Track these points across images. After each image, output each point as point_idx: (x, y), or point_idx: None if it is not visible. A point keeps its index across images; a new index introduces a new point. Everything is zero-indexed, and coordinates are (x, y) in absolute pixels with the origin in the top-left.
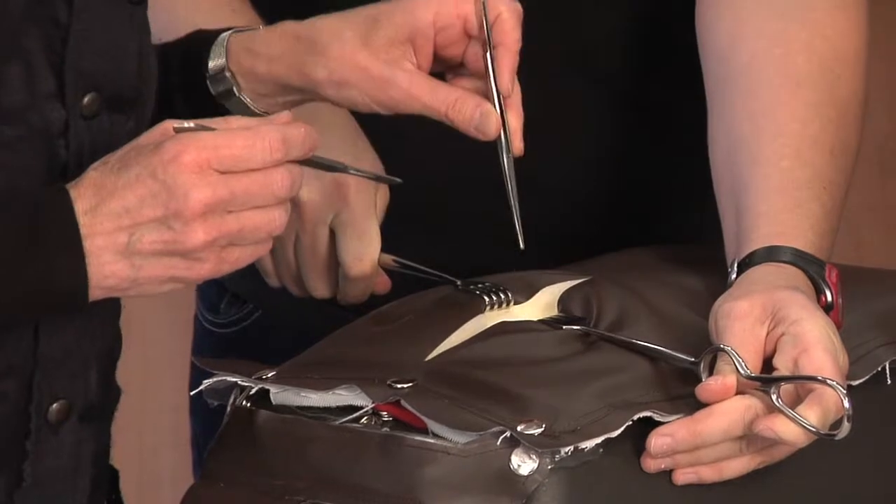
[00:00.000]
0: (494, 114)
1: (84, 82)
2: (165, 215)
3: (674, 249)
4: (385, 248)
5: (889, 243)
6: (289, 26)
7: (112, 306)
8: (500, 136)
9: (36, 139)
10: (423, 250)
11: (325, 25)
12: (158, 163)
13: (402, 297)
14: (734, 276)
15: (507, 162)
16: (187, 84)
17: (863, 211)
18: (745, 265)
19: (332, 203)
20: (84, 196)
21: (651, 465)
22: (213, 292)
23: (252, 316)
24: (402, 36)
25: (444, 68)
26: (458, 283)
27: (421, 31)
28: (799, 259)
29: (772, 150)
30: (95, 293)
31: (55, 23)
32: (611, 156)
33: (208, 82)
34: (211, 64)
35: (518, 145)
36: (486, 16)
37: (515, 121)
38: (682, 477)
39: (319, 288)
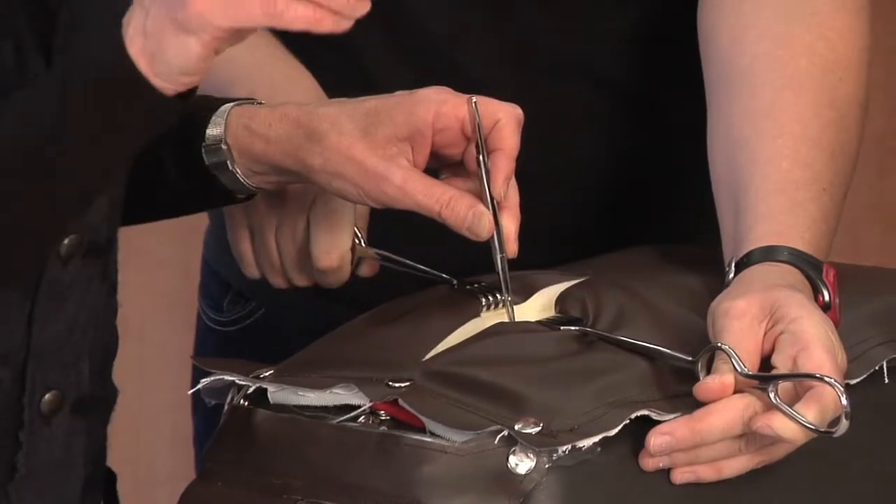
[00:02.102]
0: (487, 215)
1: None
2: None
3: (673, 249)
4: (381, 248)
5: (887, 242)
6: (290, 109)
7: (106, 301)
8: (493, 237)
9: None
10: (419, 251)
11: (326, 114)
12: None
13: (400, 296)
14: (732, 275)
15: (501, 263)
16: (182, 149)
17: (861, 209)
18: (742, 265)
19: (312, 191)
20: None
21: (650, 463)
22: (216, 290)
23: (255, 314)
24: (401, 134)
25: (441, 166)
26: (455, 282)
27: (420, 130)
28: (796, 258)
29: (771, 151)
30: (130, 60)
31: (43, 4)
32: (610, 156)
33: (203, 151)
34: (208, 132)
35: (512, 247)
36: (478, 121)
37: (511, 224)
38: (680, 476)
39: (298, 276)
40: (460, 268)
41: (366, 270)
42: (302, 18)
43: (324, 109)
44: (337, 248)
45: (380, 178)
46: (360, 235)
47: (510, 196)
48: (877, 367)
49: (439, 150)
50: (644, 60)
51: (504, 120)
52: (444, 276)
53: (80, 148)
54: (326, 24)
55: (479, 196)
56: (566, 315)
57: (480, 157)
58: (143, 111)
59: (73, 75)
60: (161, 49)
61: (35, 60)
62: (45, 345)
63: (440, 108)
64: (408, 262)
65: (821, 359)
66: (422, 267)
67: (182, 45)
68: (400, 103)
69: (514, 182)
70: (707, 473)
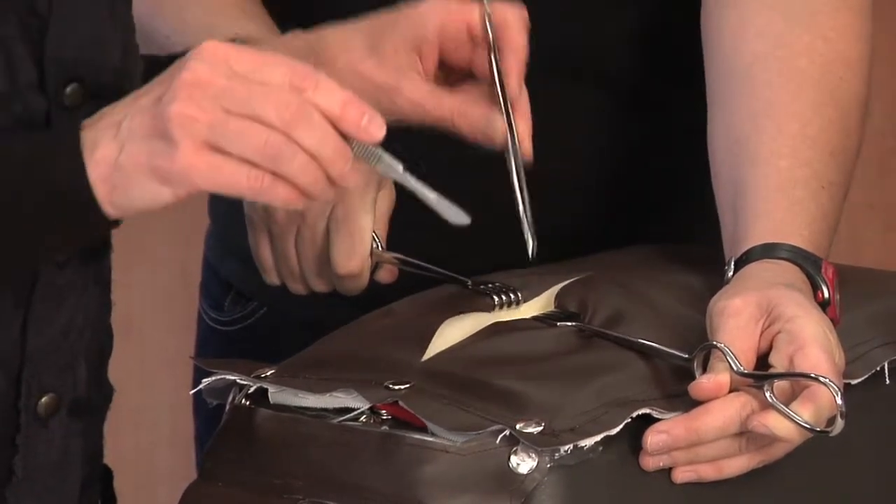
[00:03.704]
0: (500, 119)
1: (65, 73)
2: (160, 95)
3: (674, 248)
4: (388, 246)
5: (887, 242)
6: (297, 36)
7: (100, 301)
8: (507, 141)
9: (19, 129)
10: (423, 249)
11: (333, 36)
12: (177, 64)
13: (408, 294)
14: (731, 273)
15: (517, 166)
16: None
17: (861, 210)
18: (741, 262)
19: (332, 198)
20: (91, 119)
21: (650, 462)
22: (217, 290)
23: (256, 314)
24: (408, 45)
25: (451, 75)
26: (469, 282)
27: (427, 39)
28: (795, 255)
29: (770, 150)
30: (88, 185)
31: (33, 12)
32: (612, 155)
33: None
34: None
35: (527, 146)
36: (489, 21)
37: (524, 125)
38: (681, 475)
39: (317, 282)
40: (464, 265)
41: (384, 276)
42: (281, 198)
43: (332, 32)
44: (357, 254)
45: (390, 90)
46: (378, 240)
47: (521, 98)
48: (878, 368)
49: (447, 58)
50: (645, 60)
51: (511, 19)
52: (459, 277)
53: (4, 241)
54: (298, 204)
55: (491, 101)
56: (563, 311)
57: (492, 58)
58: (83, 228)
59: (24, 181)
60: (128, 186)
61: (25, 68)
62: (40, 348)
63: (446, 15)
64: (425, 265)
65: (817, 358)
66: (439, 269)
67: (153, 191)
68: (404, 14)
69: (523, 86)
70: (708, 472)
